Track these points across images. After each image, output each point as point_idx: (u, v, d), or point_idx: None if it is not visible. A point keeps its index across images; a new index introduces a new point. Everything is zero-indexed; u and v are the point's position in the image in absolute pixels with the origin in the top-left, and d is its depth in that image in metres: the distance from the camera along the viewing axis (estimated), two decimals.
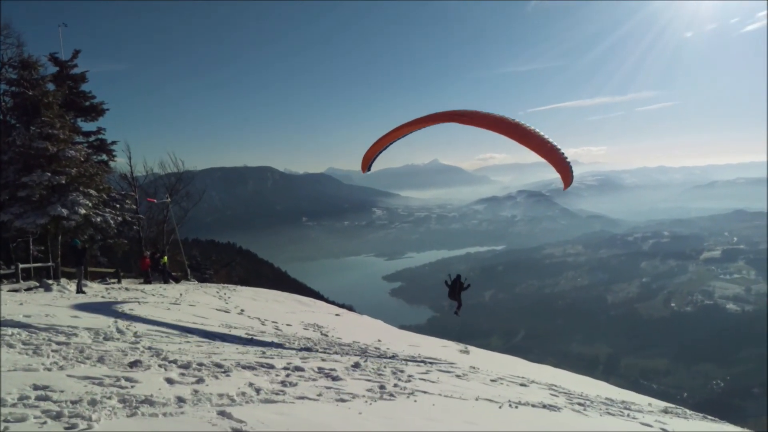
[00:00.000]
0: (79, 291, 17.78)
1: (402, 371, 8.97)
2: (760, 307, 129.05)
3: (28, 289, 17.99)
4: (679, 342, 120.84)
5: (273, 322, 15.71)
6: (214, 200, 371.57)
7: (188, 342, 9.43)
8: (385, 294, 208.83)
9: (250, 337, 11.74)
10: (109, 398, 4.84)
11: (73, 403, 4.59)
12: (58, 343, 7.54)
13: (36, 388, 4.95)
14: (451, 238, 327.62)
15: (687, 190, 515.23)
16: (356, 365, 8.84)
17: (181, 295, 19.31)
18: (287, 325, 15.72)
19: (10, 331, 8.03)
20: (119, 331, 9.47)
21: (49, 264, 22.81)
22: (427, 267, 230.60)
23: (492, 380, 10.14)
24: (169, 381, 5.94)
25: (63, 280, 20.61)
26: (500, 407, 7.21)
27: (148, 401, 4.90)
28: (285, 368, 7.69)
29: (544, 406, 7.92)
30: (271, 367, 7.63)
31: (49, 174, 21.36)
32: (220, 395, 5.47)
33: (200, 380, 6.12)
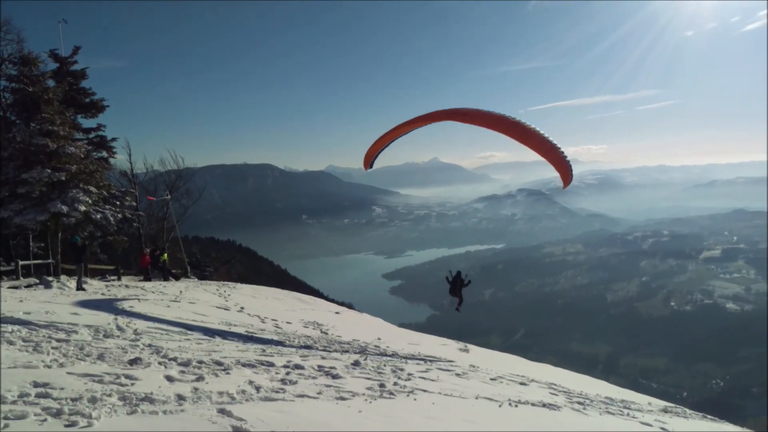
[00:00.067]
0: (79, 288, 17.77)
1: (402, 369, 8.96)
2: (759, 306, 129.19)
3: (28, 286, 17.98)
4: (679, 341, 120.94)
5: (273, 319, 15.71)
6: (214, 197, 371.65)
7: (188, 339, 9.43)
8: (385, 292, 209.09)
9: (249, 334, 11.74)
10: (109, 396, 4.84)
11: (73, 400, 4.59)
12: (58, 341, 7.54)
13: (36, 385, 4.95)
14: (450, 237, 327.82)
15: (687, 189, 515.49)
16: (356, 363, 8.84)
17: (181, 292, 19.31)
18: (287, 323, 15.72)
19: (10, 328, 8.03)
20: (119, 328, 9.47)
21: (49, 261, 22.80)
22: (426, 265, 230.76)
23: (492, 379, 10.14)
24: (169, 379, 5.94)
25: (63, 277, 20.59)
26: (500, 406, 7.21)
27: (148, 399, 4.90)
28: (285, 366, 7.69)
29: (544, 405, 7.92)
30: (271, 365, 7.63)
31: (49, 171, 21.33)
32: (220, 393, 5.47)
33: (200, 378, 6.12)
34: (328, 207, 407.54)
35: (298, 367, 7.74)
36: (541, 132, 11.95)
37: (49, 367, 5.83)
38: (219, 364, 7.14)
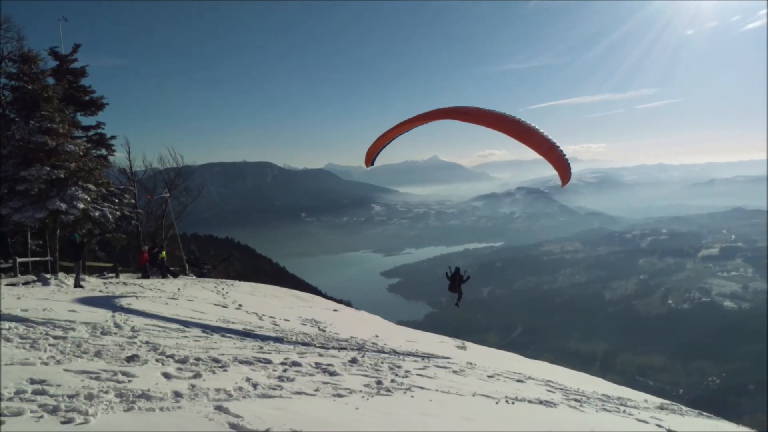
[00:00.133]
0: (77, 285, 17.76)
1: (399, 367, 8.98)
2: (757, 304, 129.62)
3: (26, 283, 17.96)
4: (676, 339, 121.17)
5: (271, 317, 15.71)
6: (213, 195, 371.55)
7: (186, 337, 9.44)
8: (383, 290, 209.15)
9: (247, 332, 11.75)
10: (106, 393, 4.84)
11: (70, 397, 4.59)
12: (55, 338, 7.54)
13: (33, 382, 4.95)
14: (449, 235, 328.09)
15: (686, 188, 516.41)
16: (353, 361, 8.86)
17: (179, 289, 19.30)
18: (285, 320, 15.73)
19: (7, 325, 8.03)
20: (117, 325, 9.47)
21: (47, 258, 22.78)
22: (425, 263, 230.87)
23: (489, 376, 10.17)
24: (166, 376, 5.94)
25: (61, 275, 20.56)
26: (497, 403, 7.23)
27: (145, 396, 4.90)
28: (282, 363, 7.70)
29: (541, 402, 7.95)
30: (269, 362, 7.64)
31: (48, 168, 21.31)
32: (217, 390, 5.47)
33: (197, 375, 6.12)
34: (327, 205, 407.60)
35: (295, 364, 7.75)
36: (541, 131, 11.96)
37: (46, 364, 5.84)
38: (216, 361, 7.15)
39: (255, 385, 5.98)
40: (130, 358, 6.63)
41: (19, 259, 20.42)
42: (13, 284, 17.19)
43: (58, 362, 5.96)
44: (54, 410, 4.19)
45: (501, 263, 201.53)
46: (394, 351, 12.18)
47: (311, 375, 7.19)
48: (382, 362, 9.26)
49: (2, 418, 3.88)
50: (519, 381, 10.34)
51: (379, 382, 7.24)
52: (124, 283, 20.93)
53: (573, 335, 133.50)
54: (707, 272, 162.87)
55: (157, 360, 6.76)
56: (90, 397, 4.65)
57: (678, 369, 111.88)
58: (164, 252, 27.91)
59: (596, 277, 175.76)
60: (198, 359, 7.09)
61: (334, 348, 10.98)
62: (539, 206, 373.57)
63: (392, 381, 7.53)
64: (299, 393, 5.94)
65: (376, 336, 15.31)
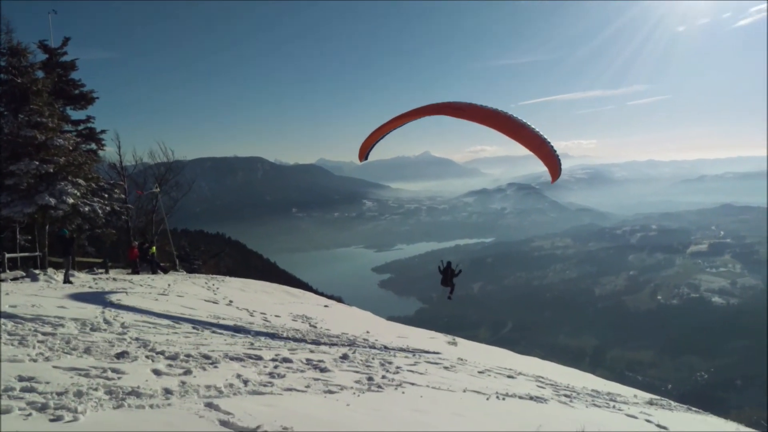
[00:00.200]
0: (66, 281, 17.64)
1: (390, 363, 9.00)
2: (745, 300, 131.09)
3: (15, 279, 17.80)
4: (665, 334, 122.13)
5: (261, 313, 15.68)
6: (204, 190, 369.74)
7: (176, 333, 9.40)
8: (374, 285, 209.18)
9: (238, 328, 11.72)
10: (96, 390, 4.81)
11: (59, 394, 4.56)
12: (44, 334, 7.49)
13: (21, 379, 4.91)
14: (440, 230, 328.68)
15: (676, 184, 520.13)
16: (344, 357, 8.87)
17: (169, 285, 19.22)
18: (276, 316, 15.70)
19: None
20: (106, 321, 9.42)
21: (36, 254, 22.60)
22: (416, 259, 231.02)
23: (479, 372, 10.21)
24: (157, 372, 5.92)
25: (50, 270, 20.40)
26: (487, 399, 7.27)
27: (135, 393, 4.88)
28: (273, 360, 7.69)
29: (531, 398, 8.00)
30: (259, 358, 7.64)
31: (37, 163, 21.10)
32: (208, 387, 5.46)
33: (188, 372, 6.11)
34: (319, 200, 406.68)
35: (286, 360, 7.75)
36: (532, 127, 12.00)
37: (35, 360, 5.80)
38: (207, 357, 7.13)
39: (246, 382, 5.97)
40: (120, 355, 6.59)
41: (7, 255, 20.25)
42: (2, 280, 17.05)
43: (47, 359, 5.92)
44: (43, 408, 4.15)
45: (492, 259, 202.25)
46: (385, 347, 12.20)
47: (302, 371, 7.19)
48: (373, 358, 9.28)
49: None
50: (510, 377, 10.40)
51: (370, 378, 7.26)
52: (114, 279, 20.82)
53: (563, 331, 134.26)
54: (696, 268, 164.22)
55: (147, 357, 6.73)
56: (79, 394, 4.62)
57: (667, 364, 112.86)
58: (154, 247, 27.74)
59: (586, 272, 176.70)
60: (188, 356, 7.06)
61: (325, 344, 10.98)
62: (530, 202, 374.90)
63: (383, 377, 7.55)
64: (290, 389, 5.94)
65: (367, 332, 15.34)
